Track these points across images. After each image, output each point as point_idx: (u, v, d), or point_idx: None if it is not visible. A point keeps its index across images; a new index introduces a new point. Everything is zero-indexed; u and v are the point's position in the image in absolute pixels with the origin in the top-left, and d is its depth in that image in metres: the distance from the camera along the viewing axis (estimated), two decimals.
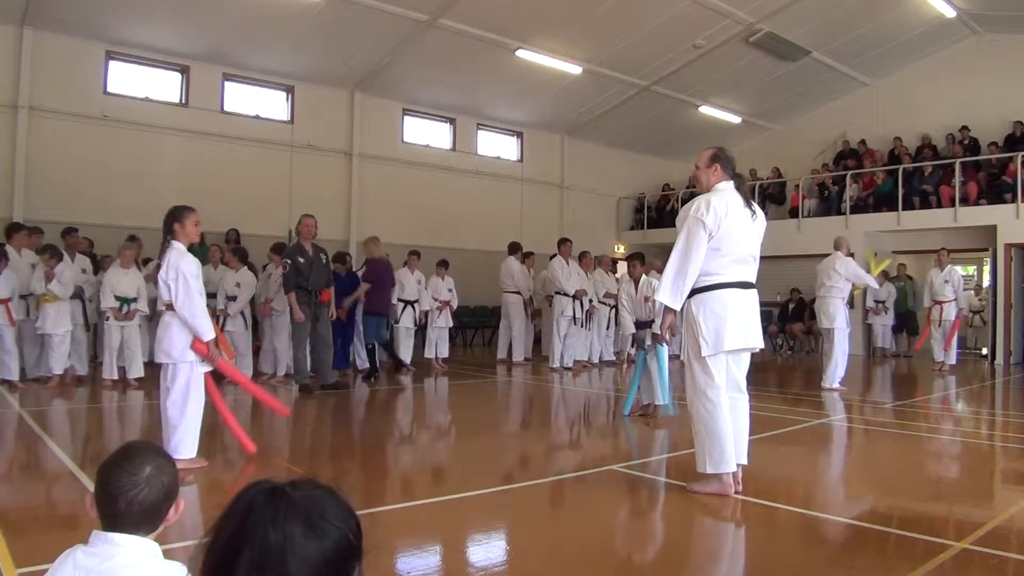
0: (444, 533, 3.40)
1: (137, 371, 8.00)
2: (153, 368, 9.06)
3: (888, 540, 3.33)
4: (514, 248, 11.45)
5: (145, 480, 1.34)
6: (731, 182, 3.82)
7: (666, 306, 3.79)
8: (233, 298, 8.50)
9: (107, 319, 7.91)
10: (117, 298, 7.89)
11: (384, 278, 9.29)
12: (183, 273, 4.33)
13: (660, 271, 13.24)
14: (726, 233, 3.68)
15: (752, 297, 3.84)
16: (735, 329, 3.72)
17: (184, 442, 4.31)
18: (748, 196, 3.84)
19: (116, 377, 7.93)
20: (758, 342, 3.87)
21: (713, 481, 3.83)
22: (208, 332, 4.37)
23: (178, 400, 4.34)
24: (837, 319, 8.49)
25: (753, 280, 3.87)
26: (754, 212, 3.81)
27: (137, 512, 1.33)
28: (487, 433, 6.31)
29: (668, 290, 3.71)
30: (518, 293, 11.24)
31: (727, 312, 3.70)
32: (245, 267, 8.65)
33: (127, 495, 1.32)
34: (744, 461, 3.89)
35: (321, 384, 7.90)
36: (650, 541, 3.46)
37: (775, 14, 12.13)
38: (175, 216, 4.54)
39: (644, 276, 6.60)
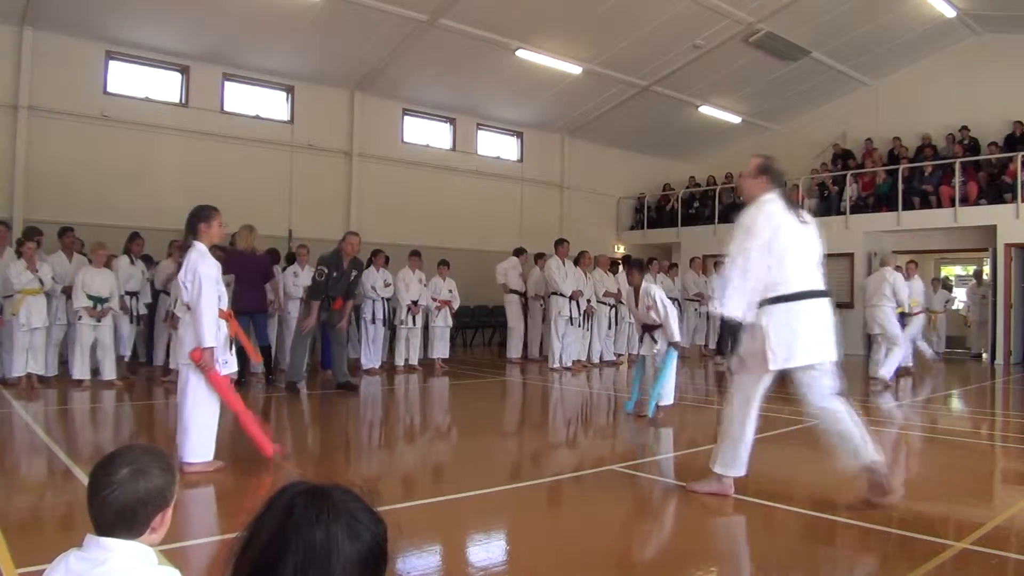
0: (444, 533, 3.40)
1: (110, 372, 7.93)
2: (133, 366, 9.17)
3: (888, 540, 3.33)
4: (518, 252, 11.64)
5: (117, 482, 1.32)
6: (776, 192, 3.78)
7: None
8: None
9: (79, 318, 7.81)
10: (90, 297, 7.81)
11: (245, 273, 7.97)
12: (200, 276, 4.27)
13: (666, 271, 13.30)
14: (787, 241, 3.62)
15: (826, 306, 3.70)
16: (808, 342, 3.60)
17: (197, 446, 4.26)
18: (793, 204, 3.81)
19: (87, 377, 7.83)
20: (832, 354, 3.70)
21: (713, 481, 3.88)
22: (208, 340, 4.23)
23: (189, 403, 4.29)
24: (888, 327, 9.32)
25: (824, 287, 3.74)
26: (803, 219, 3.76)
27: (110, 513, 1.32)
28: (487, 433, 6.31)
29: (733, 303, 3.60)
30: (514, 292, 11.34)
31: (800, 325, 3.59)
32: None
33: (101, 495, 1.32)
34: (879, 457, 3.68)
35: (337, 383, 8.01)
36: (650, 541, 3.46)
37: (775, 14, 12.13)
38: (201, 216, 4.48)
39: (644, 284, 6.54)
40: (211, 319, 4.28)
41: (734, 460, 3.80)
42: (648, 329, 6.54)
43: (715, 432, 6.47)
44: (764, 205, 3.68)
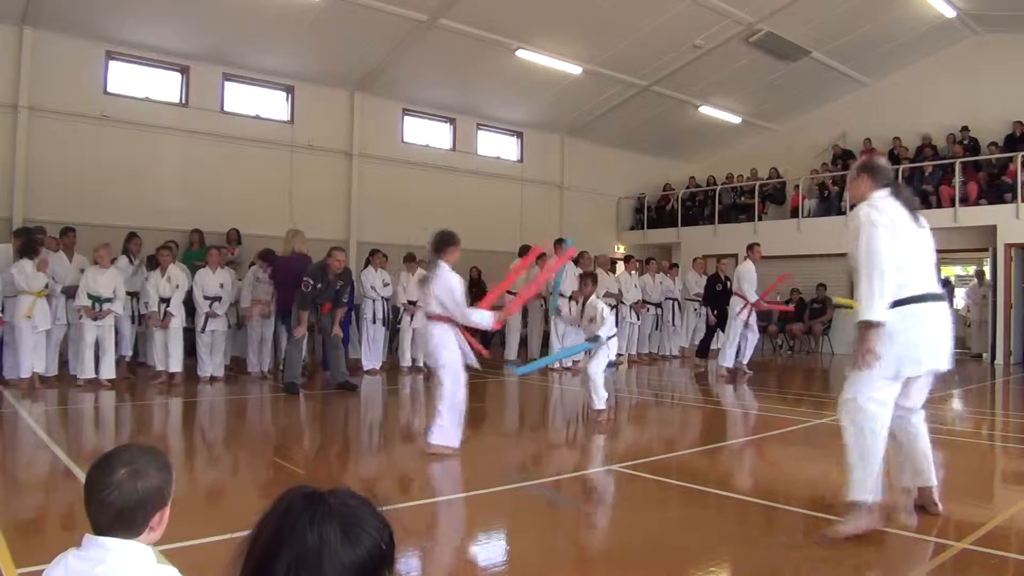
0: (444, 533, 3.40)
1: (108, 372, 7.90)
2: (132, 366, 9.18)
3: (888, 540, 3.33)
4: (524, 251, 11.58)
5: (116, 483, 1.32)
6: (886, 190, 3.48)
7: (866, 324, 3.23)
8: (217, 298, 8.62)
9: (80, 318, 7.81)
10: (91, 297, 7.80)
11: (288, 275, 8.46)
12: (455, 289, 4.97)
13: (667, 271, 13.27)
14: (906, 240, 3.34)
15: (946, 311, 3.45)
16: (937, 348, 3.38)
17: (442, 431, 4.90)
18: (911, 204, 3.50)
19: (91, 377, 7.81)
20: (946, 362, 3.47)
21: (862, 515, 3.32)
22: (488, 321, 5.12)
23: (444, 396, 4.95)
24: None
25: (942, 291, 3.48)
26: (918, 221, 3.48)
27: (109, 514, 1.32)
28: (487, 433, 6.31)
29: (876, 306, 3.20)
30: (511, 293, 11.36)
31: (928, 330, 3.35)
32: (225, 268, 8.86)
33: (99, 496, 1.32)
34: (934, 482, 3.65)
35: (336, 383, 8.10)
36: (650, 541, 3.46)
37: (775, 14, 12.13)
38: (452, 241, 5.14)
39: (593, 297, 6.62)
40: (474, 312, 5.12)
41: (868, 481, 3.31)
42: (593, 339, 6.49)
43: (716, 432, 6.52)
44: (876, 203, 3.40)
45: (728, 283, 12.14)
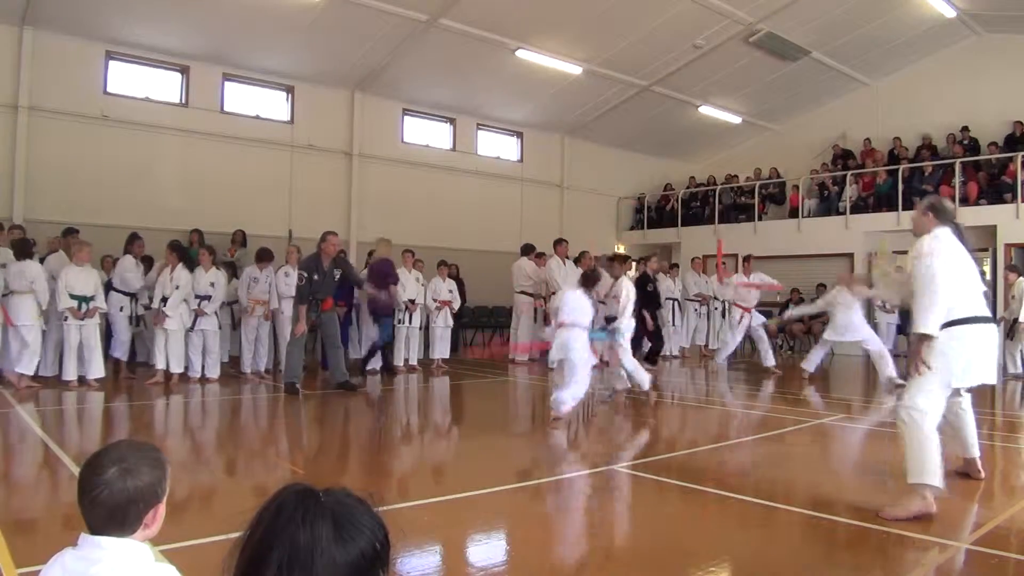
0: (444, 533, 3.41)
1: (97, 371, 7.82)
2: (131, 366, 9.19)
3: (888, 540, 3.33)
4: (527, 249, 11.55)
5: (105, 482, 1.31)
6: (947, 227, 3.90)
7: (921, 335, 3.69)
8: (207, 297, 8.58)
9: (64, 319, 7.71)
10: (74, 297, 7.71)
11: (374, 279, 9.12)
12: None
13: (667, 271, 13.33)
14: (959, 266, 3.77)
15: (994, 333, 3.87)
16: (983, 365, 3.78)
17: (565, 404, 6.18)
18: (965, 239, 3.96)
19: (75, 378, 7.75)
20: (993, 377, 3.89)
21: (916, 499, 3.63)
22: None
23: (570, 383, 6.26)
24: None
25: (988, 314, 3.90)
26: (972, 255, 3.96)
27: (100, 513, 1.31)
28: (486, 433, 6.31)
29: (929, 321, 3.65)
30: (530, 294, 11.37)
31: (977, 348, 3.76)
32: (215, 267, 8.83)
33: (90, 494, 1.31)
34: (977, 453, 4.34)
35: (336, 383, 8.05)
36: (650, 541, 3.46)
37: (775, 14, 12.13)
38: (598, 277, 6.76)
39: (623, 278, 7.57)
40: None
41: (925, 467, 3.62)
42: (608, 320, 7.47)
43: (716, 431, 6.52)
44: (939, 235, 3.83)
45: (657, 283, 11.78)
